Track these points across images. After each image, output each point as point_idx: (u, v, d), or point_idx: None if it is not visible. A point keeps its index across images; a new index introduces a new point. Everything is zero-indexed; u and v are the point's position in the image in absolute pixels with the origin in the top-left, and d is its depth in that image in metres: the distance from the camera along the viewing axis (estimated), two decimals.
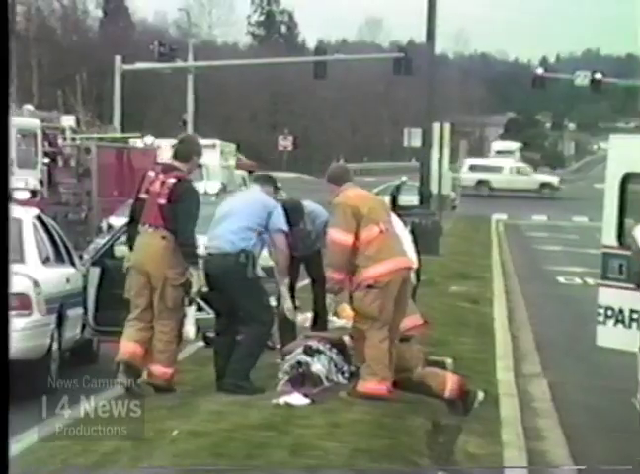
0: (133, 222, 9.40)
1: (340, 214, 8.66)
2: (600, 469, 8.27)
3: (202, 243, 9.67)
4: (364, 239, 8.56)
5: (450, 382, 8.84)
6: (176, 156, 9.29)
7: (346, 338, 9.18)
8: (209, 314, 9.88)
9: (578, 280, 22.70)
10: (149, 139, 27.94)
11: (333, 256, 8.71)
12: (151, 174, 9.23)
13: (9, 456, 3.70)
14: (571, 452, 8.64)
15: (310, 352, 9.06)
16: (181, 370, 9.46)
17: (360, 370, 8.67)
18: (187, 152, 9.31)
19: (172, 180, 9.04)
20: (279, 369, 9.12)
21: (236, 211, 9.33)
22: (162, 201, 9.00)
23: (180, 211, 8.99)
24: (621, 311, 9.33)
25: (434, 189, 26.97)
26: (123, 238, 12.12)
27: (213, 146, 32.60)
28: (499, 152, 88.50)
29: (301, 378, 8.88)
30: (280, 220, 9.29)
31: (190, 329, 9.79)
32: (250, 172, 35.00)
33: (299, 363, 9.01)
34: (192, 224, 9.07)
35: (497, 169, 61.41)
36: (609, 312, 9.44)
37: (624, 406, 9.08)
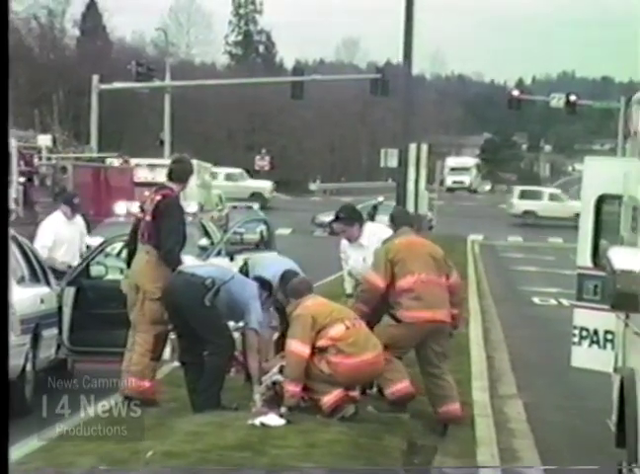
0: (131, 241, 9.72)
1: (298, 325, 8.74)
2: (573, 469, 8.32)
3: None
4: (332, 337, 8.66)
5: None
6: (169, 176, 9.66)
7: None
8: None
9: (553, 301, 22.77)
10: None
11: (290, 367, 8.74)
12: (146, 194, 9.69)
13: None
14: (546, 473, 8.65)
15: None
16: (156, 391, 9.43)
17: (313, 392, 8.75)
18: (172, 172, 9.63)
19: (158, 197, 9.40)
20: (254, 390, 9.10)
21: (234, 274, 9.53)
22: (148, 218, 9.37)
23: (162, 227, 9.28)
24: (596, 332, 9.36)
25: (410, 209, 27.02)
26: (99, 258, 12.13)
27: None
28: (453, 169, 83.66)
29: (277, 399, 8.86)
30: (254, 318, 9.19)
31: (165, 349, 9.79)
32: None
33: (275, 383, 8.99)
34: (173, 239, 9.26)
35: None
36: (584, 333, 9.47)
37: (599, 427, 9.11)
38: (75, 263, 11.61)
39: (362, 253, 9.88)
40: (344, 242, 10.15)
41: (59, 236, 13.32)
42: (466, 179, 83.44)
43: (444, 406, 9.23)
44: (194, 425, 8.31)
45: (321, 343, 8.64)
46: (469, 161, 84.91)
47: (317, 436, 7.99)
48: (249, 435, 7.94)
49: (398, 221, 9.73)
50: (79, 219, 13.63)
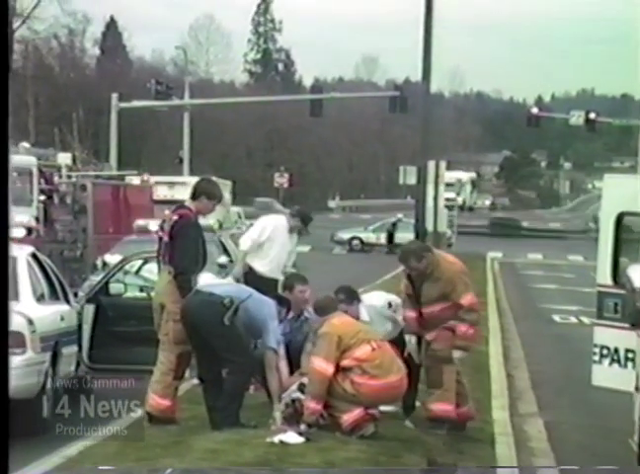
0: (157, 260, 9.68)
1: (324, 343, 8.71)
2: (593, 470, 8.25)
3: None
4: (358, 357, 8.64)
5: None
6: (191, 196, 9.63)
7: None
8: None
9: (573, 319, 22.67)
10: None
11: (313, 385, 8.72)
12: (166, 213, 9.67)
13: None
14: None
15: (305, 389, 9.02)
16: (176, 409, 9.42)
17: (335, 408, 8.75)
18: (195, 192, 9.60)
19: (174, 217, 9.39)
20: (273, 408, 9.09)
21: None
22: (166, 239, 9.36)
23: (176, 246, 9.27)
24: (617, 351, 9.32)
25: (429, 226, 27.00)
26: (119, 275, 12.16)
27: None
28: (448, 185, 76.80)
29: (296, 416, 8.84)
30: (272, 338, 9.08)
31: None
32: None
33: (294, 401, 8.97)
34: (186, 258, 9.24)
35: None
36: (605, 351, 9.43)
37: (621, 446, 9.04)
38: (278, 276, 10.58)
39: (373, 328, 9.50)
40: None
41: (273, 240, 11.92)
42: (460, 195, 76.12)
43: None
44: (212, 442, 8.30)
45: (346, 362, 8.63)
46: (463, 176, 79.12)
47: (336, 454, 7.96)
48: (267, 453, 7.92)
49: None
50: (294, 238, 12.03)
